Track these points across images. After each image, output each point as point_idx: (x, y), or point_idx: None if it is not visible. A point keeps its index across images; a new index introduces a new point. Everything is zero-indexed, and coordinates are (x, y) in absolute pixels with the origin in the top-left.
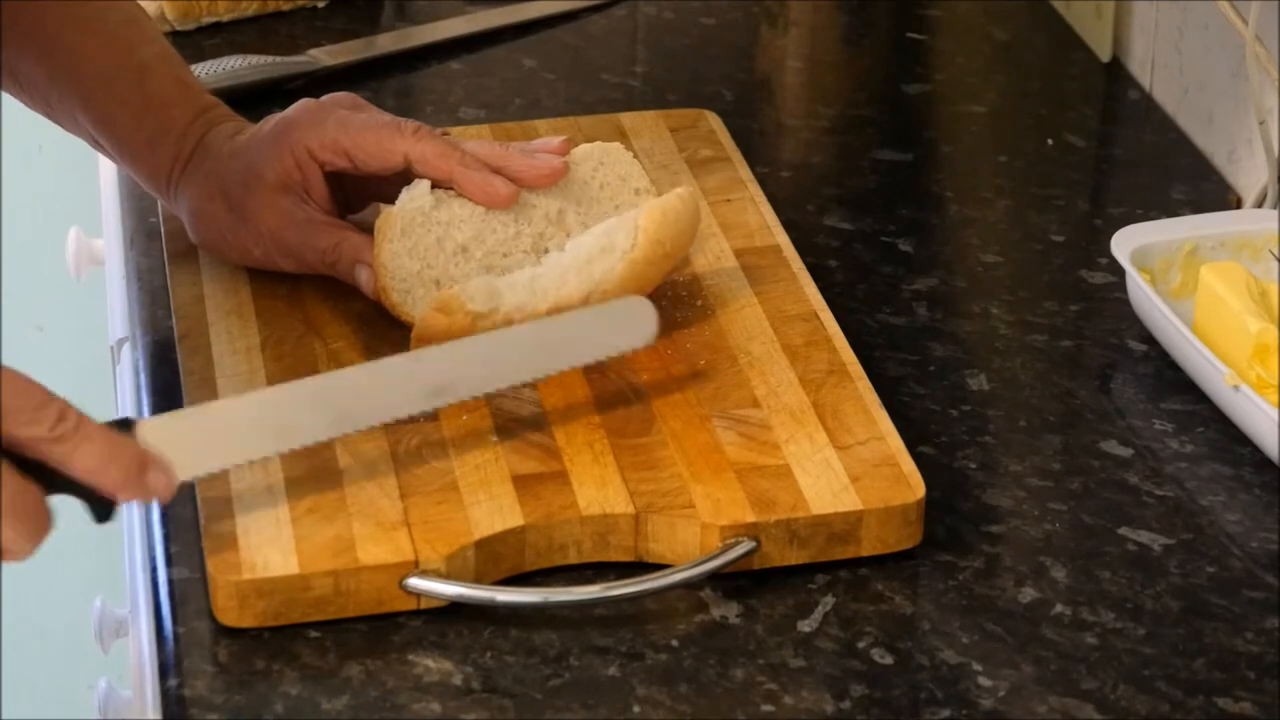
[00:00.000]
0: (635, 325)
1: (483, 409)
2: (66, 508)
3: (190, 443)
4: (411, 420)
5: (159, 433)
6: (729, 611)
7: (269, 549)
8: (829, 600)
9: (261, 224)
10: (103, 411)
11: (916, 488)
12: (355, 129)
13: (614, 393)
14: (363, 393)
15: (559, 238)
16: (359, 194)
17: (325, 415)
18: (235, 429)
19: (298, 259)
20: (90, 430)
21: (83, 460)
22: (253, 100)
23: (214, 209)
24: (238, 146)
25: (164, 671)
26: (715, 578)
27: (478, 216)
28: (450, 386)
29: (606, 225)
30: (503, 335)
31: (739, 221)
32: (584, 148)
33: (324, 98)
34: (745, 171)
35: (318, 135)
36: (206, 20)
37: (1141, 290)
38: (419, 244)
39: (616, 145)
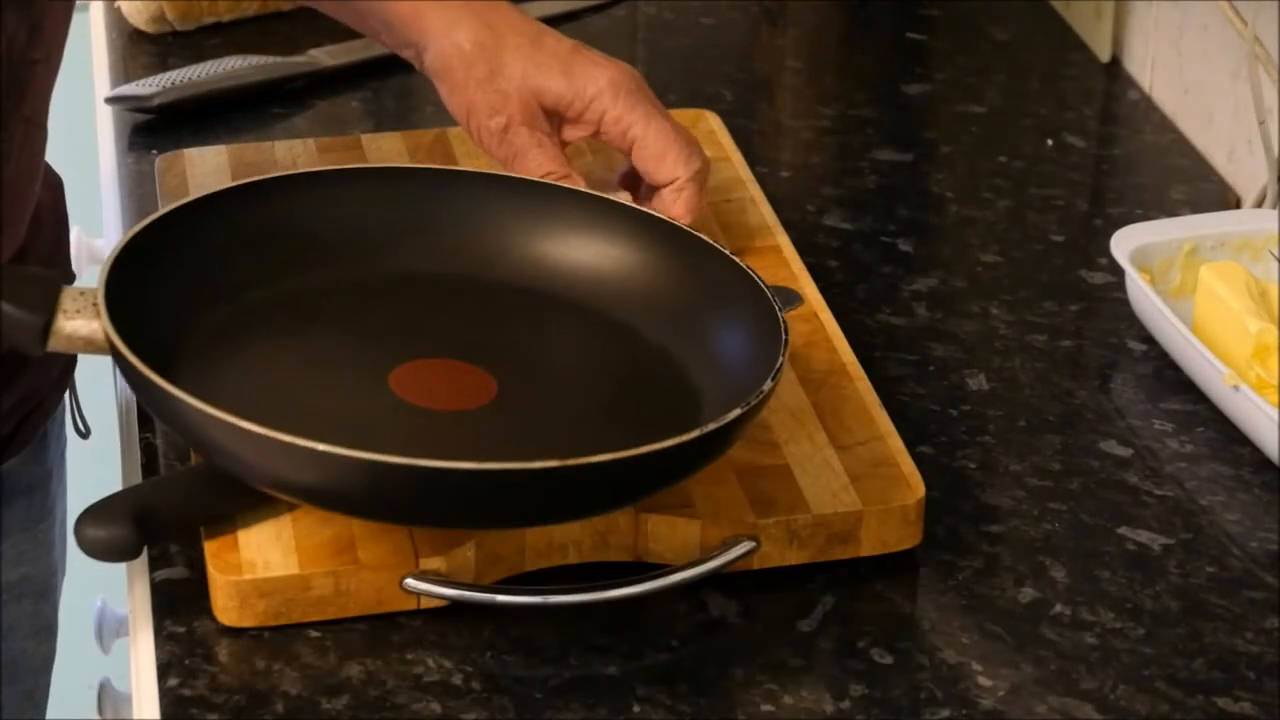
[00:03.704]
0: None
1: None
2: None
3: None
4: None
5: None
6: (729, 611)
7: (269, 549)
8: (829, 600)
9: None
10: (103, 411)
11: (916, 488)
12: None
13: None
14: None
15: None
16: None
17: None
18: None
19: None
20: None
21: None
22: (253, 100)
23: (479, 64)
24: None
25: (164, 671)
26: (715, 578)
27: None
28: None
29: None
30: None
31: (739, 221)
32: None
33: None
34: (745, 171)
35: (626, 110)
36: (207, 20)
37: (1141, 290)
38: None
39: None
